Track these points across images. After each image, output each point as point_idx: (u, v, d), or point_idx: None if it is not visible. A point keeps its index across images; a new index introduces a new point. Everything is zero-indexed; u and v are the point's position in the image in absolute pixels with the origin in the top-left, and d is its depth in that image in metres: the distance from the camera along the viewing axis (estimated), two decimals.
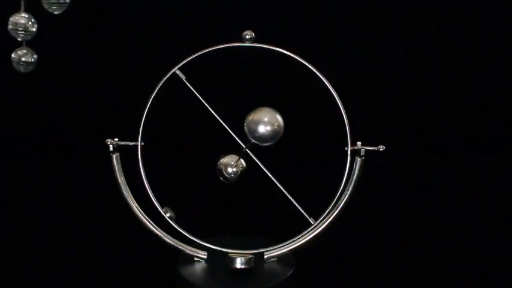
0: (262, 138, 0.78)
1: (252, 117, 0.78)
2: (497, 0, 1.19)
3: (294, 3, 1.19)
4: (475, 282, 0.86)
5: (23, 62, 0.73)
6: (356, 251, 0.93)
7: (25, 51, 0.73)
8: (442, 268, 0.89)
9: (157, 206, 0.82)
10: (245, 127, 0.79)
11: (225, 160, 0.83)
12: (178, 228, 0.83)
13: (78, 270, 0.88)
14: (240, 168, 0.82)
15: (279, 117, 0.78)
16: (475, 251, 0.93)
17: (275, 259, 0.85)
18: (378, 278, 0.87)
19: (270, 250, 0.84)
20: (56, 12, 0.73)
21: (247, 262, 0.82)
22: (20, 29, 0.72)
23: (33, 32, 0.73)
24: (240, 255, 0.82)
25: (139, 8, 1.18)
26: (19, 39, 0.73)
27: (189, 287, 0.81)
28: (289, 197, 0.83)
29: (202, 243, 0.83)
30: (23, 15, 0.72)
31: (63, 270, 0.88)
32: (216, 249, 0.83)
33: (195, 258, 0.85)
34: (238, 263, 0.82)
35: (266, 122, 0.77)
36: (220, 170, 0.82)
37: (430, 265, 0.90)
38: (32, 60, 0.73)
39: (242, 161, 0.83)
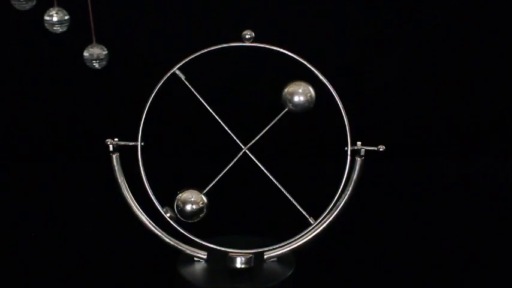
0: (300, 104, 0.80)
1: (288, 89, 0.81)
2: (497, 0, 1.19)
3: (294, 3, 1.18)
4: (475, 282, 0.86)
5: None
6: (356, 251, 0.93)
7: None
8: (442, 268, 0.89)
9: (157, 206, 0.82)
10: (283, 96, 0.81)
11: (183, 196, 0.81)
12: (178, 228, 0.83)
13: (78, 270, 0.88)
14: (201, 206, 0.80)
15: (311, 89, 0.80)
16: (475, 251, 0.93)
17: (275, 259, 0.85)
18: (378, 278, 0.87)
19: (270, 250, 0.84)
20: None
21: (247, 262, 0.82)
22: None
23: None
24: (240, 255, 0.82)
25: (139, 8, 1.18)
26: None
27: (189, 287, 0.81)
28: (289, 197, 0.83)
29: (202, 243, 0.83)
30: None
31: (63, 270, 0.88)
32: (216, 249, 0.83)
33: (195, 258, 0.85)
34: (238, 263, 0.82)
35: (301, 93, 0.80)
36: (178, 207, 0.80)
37: (430, 265, 0.90)
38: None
39: (203, 196, 0.80)
